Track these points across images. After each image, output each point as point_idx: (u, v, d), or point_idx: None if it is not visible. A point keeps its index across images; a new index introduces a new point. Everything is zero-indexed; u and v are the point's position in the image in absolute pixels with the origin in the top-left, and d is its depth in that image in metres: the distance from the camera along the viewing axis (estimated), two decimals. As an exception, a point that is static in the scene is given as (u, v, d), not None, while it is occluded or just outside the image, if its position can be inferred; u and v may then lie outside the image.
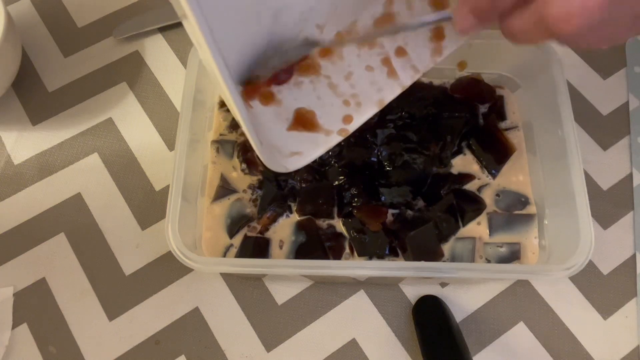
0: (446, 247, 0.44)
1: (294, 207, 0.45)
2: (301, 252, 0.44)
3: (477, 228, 0.45)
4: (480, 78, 0.49)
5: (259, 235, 0.44)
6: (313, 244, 0.44)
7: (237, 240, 0.44)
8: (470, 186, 0.46)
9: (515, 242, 0.44)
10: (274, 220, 0.45)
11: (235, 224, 0.45)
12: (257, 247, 0.44)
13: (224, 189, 0.46)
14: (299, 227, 0.44)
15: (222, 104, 0.49)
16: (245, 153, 0.47)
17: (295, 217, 0.45)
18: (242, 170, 0.46)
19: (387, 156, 0.46)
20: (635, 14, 0.27)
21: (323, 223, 0.45)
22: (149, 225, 0.49)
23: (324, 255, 0.43)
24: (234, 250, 0.44)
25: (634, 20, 0.27)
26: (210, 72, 0.33)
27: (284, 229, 0.45)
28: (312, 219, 0.45)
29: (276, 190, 0.45)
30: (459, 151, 0.47)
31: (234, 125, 0.48)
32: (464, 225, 0.45)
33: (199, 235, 0.44)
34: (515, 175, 0.47)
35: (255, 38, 0.35)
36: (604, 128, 0.53)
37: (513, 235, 0.45)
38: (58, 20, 0.58)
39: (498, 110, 0.49)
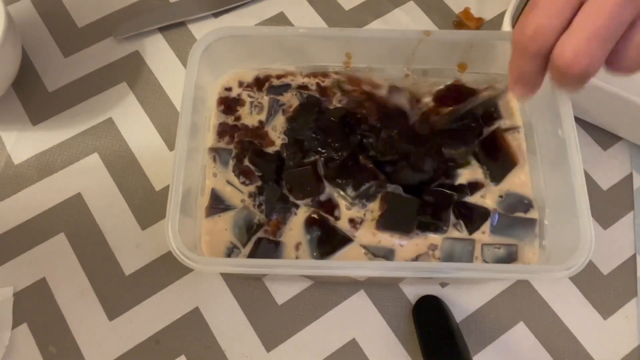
0: (444, 247, 0.43)
1: (298, 205, 0.45)
2: (322, 245, 0.43)
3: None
4: (460, 83, 0.48)
5: (269, 238, 0.43)
6: (329, 233, 0.43)
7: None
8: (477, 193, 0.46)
9: (513, 244, 0.44)
10: (283, 221, 0.44)
11: (245, 233, 0.43)
12: (270, 251, 0.43)
13: (215, 208, 0.44)
14: (308, 224, 0.44)
15: (220, 102, 0.48)
16: (241, 163, 0.46)
17: (302, 214, 0.44)
18: (242, 182, 0.45)
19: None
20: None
21: (339, 222, 0.44)
22: (149, 225, 0.49)
23: (346, 239, 0.43)
24: (238, 253, 0.43)
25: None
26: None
27: (295, 231, 0.44)
28: (317, 213, 0.44)
29: (280, 191, 0.45)
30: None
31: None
32: (470, 234, 0.44)
33: (198, 235, 0.44)
34: (516, 177, 0.46)
35: None
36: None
37: (513, 238, 0.44)
38: (58, 20, 0.58)
39: (490, 112, 0.48)
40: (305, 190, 0.44)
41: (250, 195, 0.45)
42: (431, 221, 0.43)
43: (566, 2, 0.30)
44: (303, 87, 0.48)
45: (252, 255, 0.43)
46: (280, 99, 0.48)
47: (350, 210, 0.44)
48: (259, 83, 0.49)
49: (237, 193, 0.45)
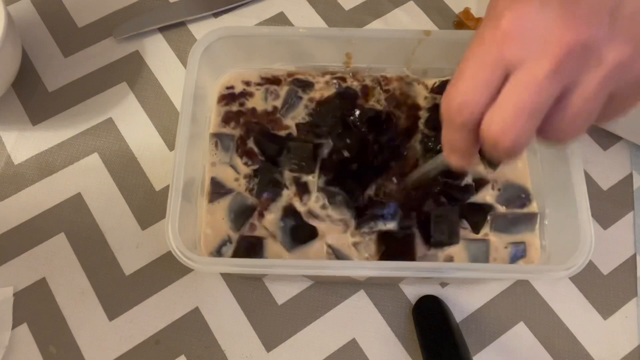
0: (460, 248, 0.44)
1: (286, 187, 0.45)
2: (295, 234, 0.43)
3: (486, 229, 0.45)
4: None
5: (252, 235, 0.44)
6: (302, 224, 0.44)
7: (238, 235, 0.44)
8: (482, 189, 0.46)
9: (520, 242, 0.44)
10: (272, 199, 0.44)
11: (239, 217, 0.44)
12: (252, 247, 0.43)
13: (216, 193, 0.45)
14: (285, 212, 0.44)
15: (221, 98, 0.48)
16: (245, 145, 0.46)
17: (285, 201, 0.45)
18: (245, 163, 0.46)
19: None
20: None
21: (302, 207, 0.44)
22: (149, 225, 0.49)
23: (314, 231, 0.43)
24: (230, 247, 0.44)
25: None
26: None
27: (272, 218, 0.44)
28: (292, 205, 0.45)
29: (273, 174, 0.45)
30: None
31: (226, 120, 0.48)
32: (477, 233, 0.44)
33: (198, 236, 0.44)
34: (515, 175, 0.46)
35: None
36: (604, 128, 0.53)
37: (517, 235, 0.44)
38: (58, 20, 0.58)
39: None
40: (299, 164, 0.45)
41: (245, 176, 0.45)
42: (445, 240, 0.43)
43: (491, 74, 0.28)
44: (342, 79, 0.49)
45: (235, 251, 0.43)
46: (298, 91, 0.48)
47: (318, 202, 0.45)
48: (270, 82, 0.49)
49: (234, 174, 0.46)
